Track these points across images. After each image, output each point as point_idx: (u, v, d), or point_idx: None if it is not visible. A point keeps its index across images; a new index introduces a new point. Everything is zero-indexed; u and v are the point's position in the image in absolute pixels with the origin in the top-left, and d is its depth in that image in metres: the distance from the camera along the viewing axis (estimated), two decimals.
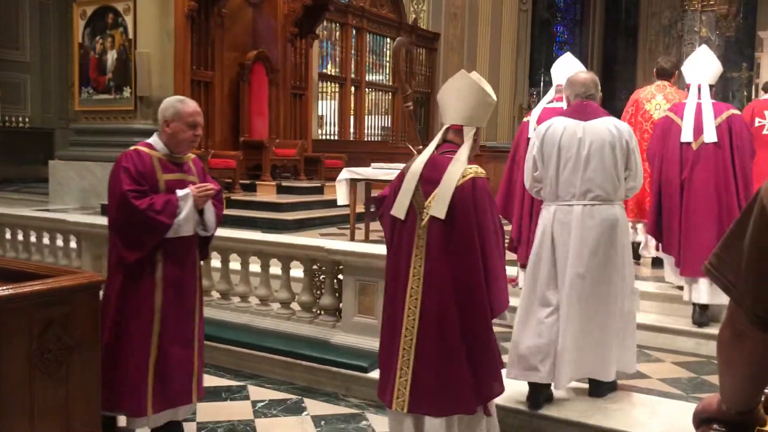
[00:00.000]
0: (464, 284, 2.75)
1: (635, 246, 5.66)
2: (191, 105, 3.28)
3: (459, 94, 2.95)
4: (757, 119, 6.33)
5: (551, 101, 5.01)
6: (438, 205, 2.78)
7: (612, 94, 21.95)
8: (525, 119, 5.14)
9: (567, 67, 4.81)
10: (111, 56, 9.16)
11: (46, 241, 5.80)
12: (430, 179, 2.85)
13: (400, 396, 2.80)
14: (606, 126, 3.51)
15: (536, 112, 4.99)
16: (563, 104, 4.48)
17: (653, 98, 5.86)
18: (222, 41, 9.57)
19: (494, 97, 3.02)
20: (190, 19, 8.86)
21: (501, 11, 17.75)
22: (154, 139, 3.28)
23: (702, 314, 4.65)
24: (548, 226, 3.52)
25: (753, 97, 17.70)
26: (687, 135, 4.76)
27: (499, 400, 3.01)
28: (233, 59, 9.77)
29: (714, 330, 4.44)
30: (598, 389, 3.58)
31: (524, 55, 19.83)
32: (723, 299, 4.21)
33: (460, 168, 2.82)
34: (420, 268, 2.79)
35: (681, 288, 4.83)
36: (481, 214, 2.79)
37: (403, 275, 2.83)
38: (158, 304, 3.16)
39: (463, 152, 2.87)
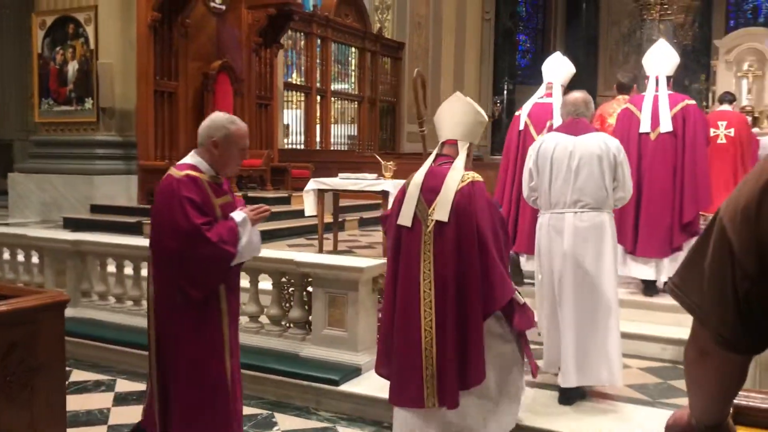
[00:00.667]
0: (463, 279, 2.96)
1: None
2: (243, 127, 3.02)
3: (453, 114, 3.26)
4: (711, 129, 6.48)
5: (542, 97, 5.39)
6: (441, 209, 3.02)
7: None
8: (516, 113, 5.56)
9: (556, 65, 5.36)
10: (72, 67, 9.03)
11: (6, 256, 5.67)
12: (431, 188, 3.09)
13: (430, 394, 2.96)
14: (596, 141, 3.78)
15: (527, 106, 5.42)
16: (552, 100, 5.14)
17: (615, 112, 6.02)
18: (186, 51, 9.49)
19: (485, 116, 3.34)
20: (152, 29, 8.77)
21: (465, 20, 17.93)
22: (197, 160, 2.95)
23: (650, 288, 5.05)
24: (543, 232, 3.81)
25: (710, 104, 18.13)
26: (645, 126, 5.04)
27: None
28: (197, 69, 9.69)
29: (682, 332, 4.54)
30: (567, 397, 3.62)
31: (488, 63, 20.05)
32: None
33: (458, 174, 3.07)
34: (429, 272, 2.99)
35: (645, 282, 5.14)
36: (481, 213, 2.99)
37: (415, 280, 3.01)
38: (227, 338, 2.95)
39: (460, 161, 3.13)
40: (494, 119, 20.48)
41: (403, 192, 3.16)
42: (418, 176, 3.16)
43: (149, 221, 3.09)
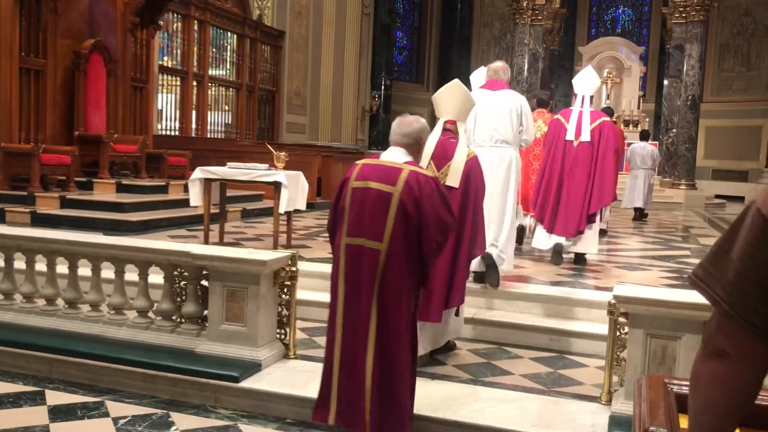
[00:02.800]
0: (460, 230, 3.85)
1: (520, 230, 7.18)
2: None
3: (455, 98, 4.20)
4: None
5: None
6: (453, 177, 3.98)
7: None
8: (556, 116, 6.65)
9: (585, 80, 6.58)
10: None
11: None
12: (440, 156, 4.04)
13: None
14: (507, 95, 5.27)
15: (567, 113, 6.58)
16: (582, 109, 6.39)
17: (535, 122, 6.97)
18: (55, 27, 8.85)
19: (474, 101, 4.35)
20: (18, 2, 8.10)
21: (345, 13, 17.93)
22: (411, 159, 3.25)
23: (556, 255, 6.44)
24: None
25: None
26: (570, 134, 6.34)
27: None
28: (68, 47, 9.07)
29: (566, 323, 4.79)
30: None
31: (366, 57, 20.18)
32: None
33: (465, 149, 4.10)
34: None
35: (553, 249, 6.49)
36: (480, 182, 4.10)
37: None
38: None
39: (463, 140, 4.15)
40: (372, 114, 20.66)
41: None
42: (429, 146, 3.99)
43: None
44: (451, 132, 4.14)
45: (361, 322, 3.06)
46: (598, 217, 6.53)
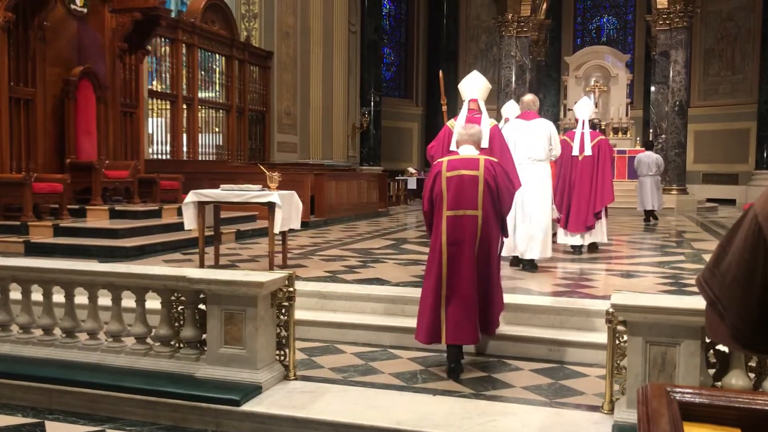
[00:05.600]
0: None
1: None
2: None
3: (475, 83, 5.78)
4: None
5: (574, 128, 8.61)
6: (483, 140, 5.18)
7: (436, 113, 23.02)
8: (563, 137, 8.23)
9: (584, 106, 8.65)
10: None
11: None
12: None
13: None
14: (539, 124, 6.87)
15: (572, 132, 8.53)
16: (577, 128, 8.39)
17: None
18: (44, 56, 8.86)
19: (488, 84, 5.91)
20: (6, 31, 8.13)
21: (332, 32, 18.02)
22: (479, 152, 4.62)
23: (577, 250, 8.15)
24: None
25: (561, 116, 19.35)
26: (575, 151, 8.23)
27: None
28: (57, 75, 9.08)
29: (565, 334, 4.79)
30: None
31: (355, 75, 20.28)
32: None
33: (488, 120, 5.66)
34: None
35: (573, 247, 8.23)
36: (505, 145, 5.72)
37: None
38: None
39: (485, 114, 5.71)
40: (362, 130, 20.73)
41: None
42: (460, 120, 5.57)
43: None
44: (474, 110, 5.70)
45: (464, 265, 4.25)
46: (603, 213, 8.31)
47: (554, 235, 8.18)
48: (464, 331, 4.21)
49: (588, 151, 8.16)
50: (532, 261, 6.72)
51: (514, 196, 4.66)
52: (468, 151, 4.50)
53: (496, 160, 4.60)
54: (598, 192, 8.09)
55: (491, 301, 4.46)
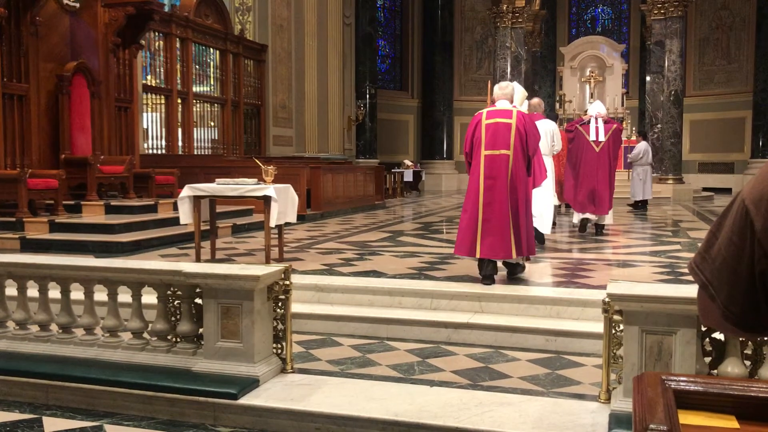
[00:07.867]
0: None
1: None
2: None
3: (504, 90, 5.94)
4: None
5: (582, 119, 9.86)
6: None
7: (432, 105, 23.00)
8: (561, 128, 10.50)
9: (598, 106, 9.88)
10: None
11: None
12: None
13: None
14: (544, 124, 7.92)
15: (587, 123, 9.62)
16: (591, 122, 9.41)
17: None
18: (37, 51, 8.82)
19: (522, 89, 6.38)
20: None
21: (326, 24, 17.95)
22: (513, 105, 5.76)
23: (583, 227, 9.22)
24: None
25: (557, 107, 19.32)
26: (592, 136, 9.29)
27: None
28: (50, 71, 9.04)
29: (562, 323, 4.80)
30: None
31: (350, 67, 20.21)
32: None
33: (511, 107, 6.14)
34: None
35: (581, 222, 9.27)
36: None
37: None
38: None
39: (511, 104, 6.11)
40: (358, 123, 20.69)
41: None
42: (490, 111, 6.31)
43: None
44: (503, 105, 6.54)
45: (497, 195, 5.35)
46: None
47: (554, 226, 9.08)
48: (496, 248, 5.32)
49: (603, 139, 9.32)
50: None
51: (538, 142, 5.79)
52: (503, 105, 5.59)
53: (526, 112, 5.82)
54: (612, 176, 9.24)
55: (520, 229, 5.42)
